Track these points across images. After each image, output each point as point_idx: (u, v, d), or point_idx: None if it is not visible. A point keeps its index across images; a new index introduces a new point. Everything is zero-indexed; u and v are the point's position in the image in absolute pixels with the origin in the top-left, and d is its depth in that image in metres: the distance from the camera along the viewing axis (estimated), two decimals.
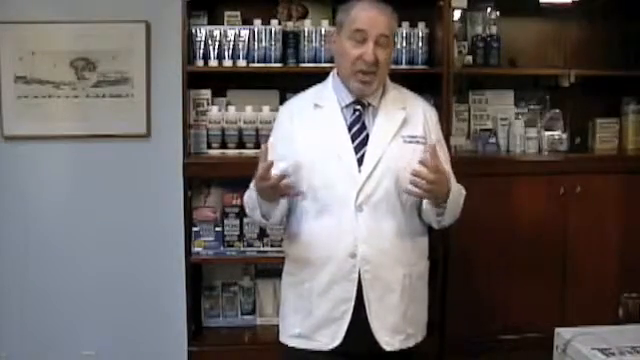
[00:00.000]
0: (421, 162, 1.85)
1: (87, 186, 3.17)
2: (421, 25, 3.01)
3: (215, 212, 2.97)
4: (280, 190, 1.87)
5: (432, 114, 2.11)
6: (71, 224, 3.17)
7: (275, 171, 1.85)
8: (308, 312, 1.99)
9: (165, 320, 3.18)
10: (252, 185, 1.96)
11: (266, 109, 2.96)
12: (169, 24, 2.97)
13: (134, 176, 3.18)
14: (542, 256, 3.03)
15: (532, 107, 3.25)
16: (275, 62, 2.92)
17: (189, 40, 2.86)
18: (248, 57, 2.92)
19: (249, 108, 2.97)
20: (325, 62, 2.89)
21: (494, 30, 3.12)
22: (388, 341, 1.97)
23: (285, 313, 2.09)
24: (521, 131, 3.15)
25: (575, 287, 3.05)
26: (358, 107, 2.01)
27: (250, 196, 2.01)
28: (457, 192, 1.99)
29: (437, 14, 2.94)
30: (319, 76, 2.13)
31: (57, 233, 3.17)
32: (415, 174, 1.84)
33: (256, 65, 2.92)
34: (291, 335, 2.04)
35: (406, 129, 2.01)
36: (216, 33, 2.91)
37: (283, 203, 1.98)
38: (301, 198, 1.97)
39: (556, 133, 3.17)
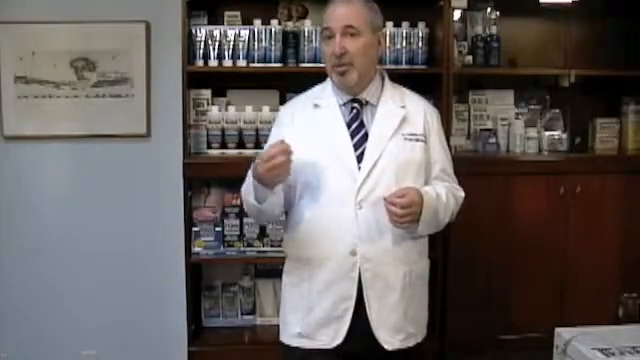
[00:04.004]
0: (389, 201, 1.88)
1: (87, 186, 3.17)
2: (421, 25, 3.01)
3: (215, 212, 2.97)
4: (284, 168, 1.83)
5: (434, 114, 2.11)
6: (71, 224, 3.17)
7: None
8: (308, 311, 1.99)
9: (165, 320, 3.19)
10: (250, 172, 1.95)
11: (266, 109, 2.96)
12: (169, 24, 2.97)
13: (134, 176, 3.18)
14: (542, 256, 3.04)
15: (532, 107, 3.26)
16: (275, 62, 2.92)
17: (189, 40, 2.87)
18: (248, 57, 2.93)
19: (249, 108, 2.97)
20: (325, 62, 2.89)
21: (494, 30, 3.13)
22: (388, 340, 1.97)
23: (285, 313, 2.08)
24: (521, 131, 3.15)
25: (575, 287, 3.06)
26: (355, 105, 2.02)
27: (247, 182, 1.98)
28: (432, 214, 1.96)
29: (437, 14, 2.94)
30: (319, 76, 2.13)
31: (57, 233, 3.17)
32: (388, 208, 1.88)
33: (256, 65, 2.93)
34: (292, 335, 2.04)
35: (406, 127, 2.01)
36: (216, 33, 2.91)
37: (279, 191, 1.95)
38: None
39: (556, 133, 3.17)
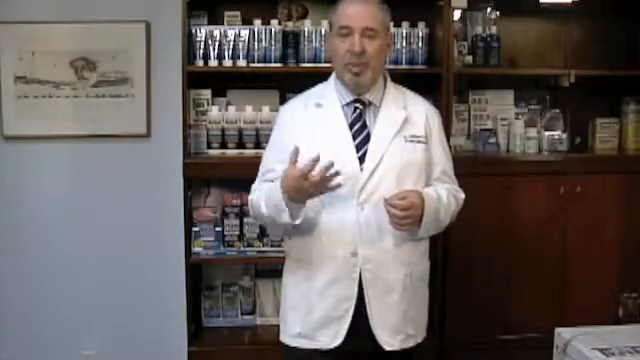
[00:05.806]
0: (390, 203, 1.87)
1: (87, 186, 3.17)
2: (421, 25, 3.01)
3: (215, 212, 2.97)
4: (323, 183, 1.81)
5: (435, 116, 2.11)
6: (71, 224, 3.17)
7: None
8: (309, 311, 1.99)
9: (165, 320, 3.18)
10: (268, 191, 1.93)
11: (266, 109, 2.97)
12: (169, 24, 2.97)
13: (134, 176, 3.17)
14: (542, 256, 3.04)
15: (532, 107, 3.25)
16: (275, 62, 2.92)
17: (189, 40, 2.87)
18: (248, 57, 2.92)
19: (249, 108, 2.97)
20: (325, 62, 2.89)
21: (494, 30, 3.13)
22: (388, 341, 1.97)
23: (285, 312, 2.08)
24: (521, 131, 3.15)
25: (575, 287, 3.06)
26: (358, 105, 2.02)
27: (271, 203, 1.93)
28: (433, 216, 1.96)
29: (437, 14, 2.94)
30: (319, 76, 2.14)
31: (57, 233, 3.17)
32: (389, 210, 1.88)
33: (256, 65, 2.93)
34: (292, 335, 2.04)
35: (407, 129, 2.01)
36: (216, 33, 2.91)
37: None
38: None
39: (556, 133, 3.17)
